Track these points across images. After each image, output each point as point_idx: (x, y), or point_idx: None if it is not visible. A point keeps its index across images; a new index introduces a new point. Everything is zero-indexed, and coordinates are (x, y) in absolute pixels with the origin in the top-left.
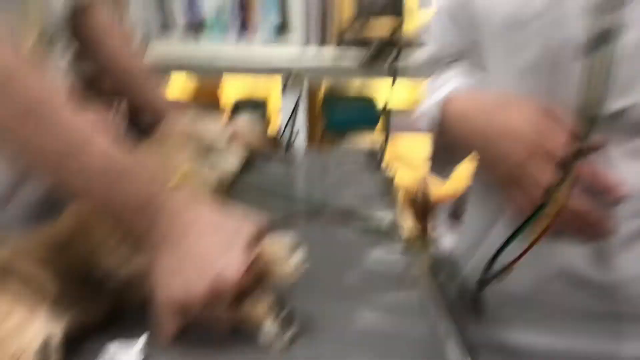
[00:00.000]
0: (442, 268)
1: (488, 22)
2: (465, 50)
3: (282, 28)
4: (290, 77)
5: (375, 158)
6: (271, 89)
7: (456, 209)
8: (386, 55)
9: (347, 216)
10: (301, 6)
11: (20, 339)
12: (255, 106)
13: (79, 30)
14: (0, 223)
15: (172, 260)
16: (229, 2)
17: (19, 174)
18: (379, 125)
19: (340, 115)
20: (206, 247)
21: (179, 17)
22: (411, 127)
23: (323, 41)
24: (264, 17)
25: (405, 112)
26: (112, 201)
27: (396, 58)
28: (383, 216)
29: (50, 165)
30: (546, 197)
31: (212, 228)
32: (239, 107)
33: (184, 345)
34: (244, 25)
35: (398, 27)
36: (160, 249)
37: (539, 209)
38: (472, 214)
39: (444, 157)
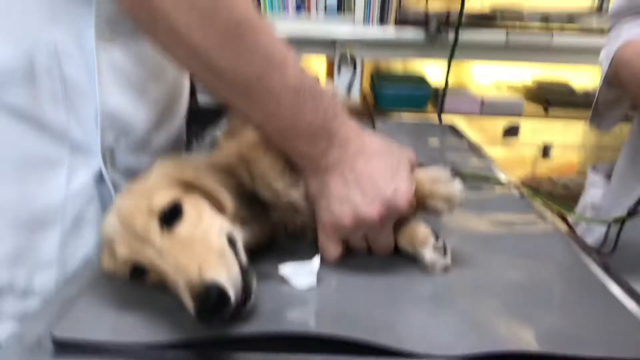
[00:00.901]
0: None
1: None
2: None
3: (340, 6)
4: (347, 54)
5: (453, 129)
6: (319, 66)
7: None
8: (445, 34)
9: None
10: None
11: (216, 238)
12: None
13: None
14: (137, 167)
15: (341, 186)
16: None
17: (155, 120)
18: (429, 103)
19: (391, 93)
20: (375, 174)
21: None
22: (458, 109)
23: (382, 19)
24: None
25: (453, 93)
26: (299, 121)
27: (455, 38)
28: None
29: (251, 80)
30: None
31: (379, 156)
32: None
33: (348, 268)
34: (302, 3)
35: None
36: (330, 175)
37: None
38: (623, 167)
39: (608, 107)
